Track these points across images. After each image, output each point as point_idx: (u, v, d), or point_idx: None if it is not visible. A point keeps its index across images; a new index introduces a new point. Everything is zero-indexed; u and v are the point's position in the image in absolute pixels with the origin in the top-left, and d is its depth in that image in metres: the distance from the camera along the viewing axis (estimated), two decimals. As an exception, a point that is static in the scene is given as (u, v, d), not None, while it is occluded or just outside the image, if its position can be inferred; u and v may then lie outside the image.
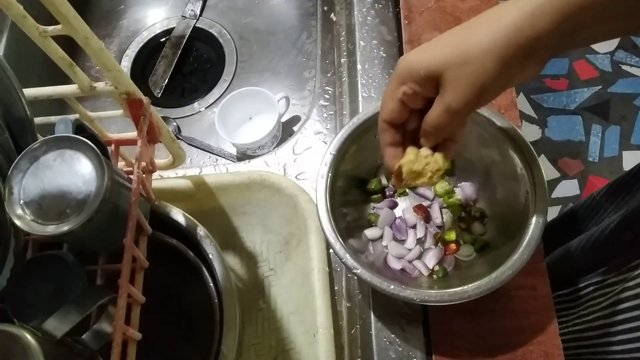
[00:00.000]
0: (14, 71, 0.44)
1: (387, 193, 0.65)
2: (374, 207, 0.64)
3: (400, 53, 0.76)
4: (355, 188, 0.64)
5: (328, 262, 0.62)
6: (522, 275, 0.51)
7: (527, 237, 0.52)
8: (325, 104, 0.81)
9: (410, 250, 0.61)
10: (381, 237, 0.63)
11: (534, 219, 0.52)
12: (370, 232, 0.62)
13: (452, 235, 0.60)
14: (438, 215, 0.62)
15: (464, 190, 0.63)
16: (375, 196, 0.65)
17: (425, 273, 0.59)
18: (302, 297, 0.63)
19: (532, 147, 0.55)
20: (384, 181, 0.65)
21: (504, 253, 0.53)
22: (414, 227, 0.62)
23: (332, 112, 0.80)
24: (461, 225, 0.61)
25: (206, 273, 0.59)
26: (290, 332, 0.64)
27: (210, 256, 0.59)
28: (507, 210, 0.59)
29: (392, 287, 0.52)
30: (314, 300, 0.59)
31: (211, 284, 0.58)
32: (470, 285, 0.51)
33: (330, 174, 0.58)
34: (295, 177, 0.74)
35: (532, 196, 0.53)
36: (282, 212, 0.69)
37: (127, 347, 0.46)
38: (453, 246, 0.60)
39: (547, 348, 0.56)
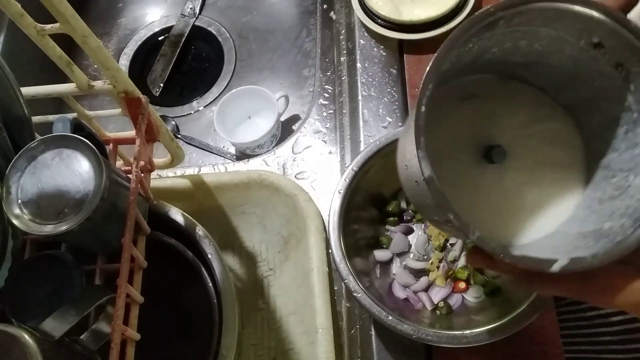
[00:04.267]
0: (12, 70, 0.44)
1: (405, 217, 0.63)
2: (388, 230, 0.63)
3: (400, 52, 0.76)
4: (373, 206, 0.63)
5: (328, 262, 0.62)
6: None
7: (540, 295, 0.50)
8: (325, 102, 0.80)
9: (417, 280, 0.59)
10: (390, 260, 0.62)
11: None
12: (379, 254, 0.61)
13: (463, 274, 0.59)
14: (457, 249, 0.60)
15: None
16: (391, 218, 0.63)
17: (429, 307, 0.58)
18: (302, 297, 0.63)
19: None
20: (403, 204, 0.64)
21: (513, 303, 0.52)
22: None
23: (331, 111, 0.80)
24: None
25: (205, 273, 0.59)
26: (289, 333, 0.64)
27: (209, 256, 0.59)
28: None
29: (390, 318, 0.52)
30: (314, 300, 0.59)
31: (210, 284, 0.58)
32: (471, 332, 0.50)
33: (349, 191, 0.57)
34: (295, 176, 0.74)
35: None
36: (281, 212, 0.69)
37: (125, 347, 0.46)
38: (462, 285, 0.58)
39: (547, 348, 0.56)
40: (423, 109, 0.31)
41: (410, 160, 0.33)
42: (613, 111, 0.34)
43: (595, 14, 0.31)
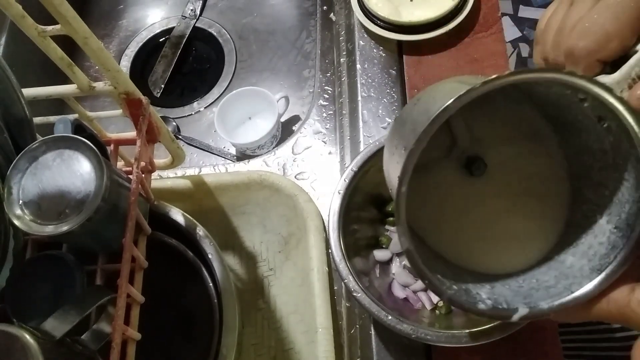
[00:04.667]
0: (13, 71, 0.44)
1: None
2: (387, 230, 0.63)
3: (400, 53, 0.76)
4: (373, 206, 0.63)
5: (327, 262, 0.62)
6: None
7: None
8: (325, 103, 0.81)
9: (417, 280, 0.59)
10: (389, 260, 0.62)
11: None
12: (379, 254, 0.62)
13: None
14: None
15: None
16: (391, 219, 0.63)
17: (429, 307, 0.58)
18: (302, 297, 0.63)
19: None
20: None
21: None
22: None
23: (331, 112, 0.80)
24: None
25: (205, 273, 0.59)
26: (289, 332, 0.64)
27: (210, 256, 0.59)
28: None
29: (389, 317, 0.52)
30: (314, 300, 0.59)
31: (210, 284, 0.58)
32: (470, 331, 0.50)
33: (348, 191, 0.57)
34: (295, 177, 0.74)
35: None
36: (281, 212, 0.69)
37: (126, 347, 0.46)
38: None
39: (547, 348, 0.56)
40: (404, 188, 0.31)
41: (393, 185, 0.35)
42: (593, 146, 0.35)
43: (570, 79, 0.30)
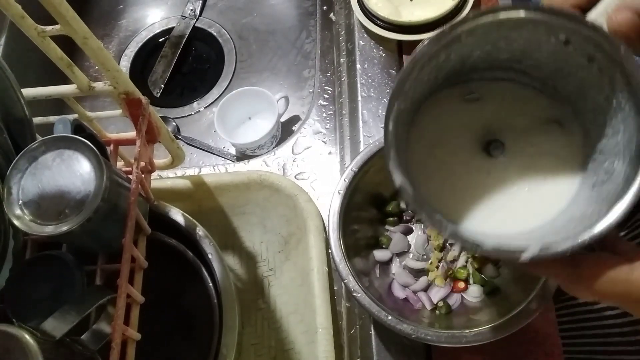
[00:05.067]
0: (13, 71, 0.44)
1: (404, 217, 0.63)
2: (387, 230, 0.63)
3: (400, 53, 0.76)
4: (372, 206, 0.63)
5: (327, 262, 0.62)
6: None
7: (540, 292, 0.50)
8: (325, 103, 0.81)
9: (417, 280, 0.60)
10: (389, 260, 0.62)
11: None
12: (379, 254, 0.62)
13: (463, 274, 0.59)
14: (457, 249, 0.60)
15: None
16: (391, 219, 0.63)
17: (429, 307, 0.58)
18: (302, 297, 0.63)
19: None
20: (402, 205, 0.64)
21: (512, 302, 0.52)
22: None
23: (331, 112, 0.80)
24: (474, 265, 0.59)
25: (205, 273, 0.59)
26: (289, 332, 0.64)
27: (210, 256, 0.59)
28: None
29: (389, 317, 0.52)
30: (314, 300, 0.59)
31: (210, 284, 0.58)
32: (470, 331, 0.50)
33: (348, 191, 0.57)
34: (295, 177, 0.74)
35: None
36: (281, 212, 0.69)
37: (126, 347, 0.46)
38: (462, 285, 0.58)
39: (547, 348, 0.56)
40: (391, 126, 0.33)
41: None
42: (598, 100, 0.35)
43: (550, 18, 0.32)
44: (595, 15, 0.33)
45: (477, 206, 0.39)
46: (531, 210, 0.38)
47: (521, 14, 0.33)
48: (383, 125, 0.34)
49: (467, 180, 0.40)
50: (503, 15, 0.33)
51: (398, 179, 0.33)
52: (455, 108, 0.41)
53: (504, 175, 0.40)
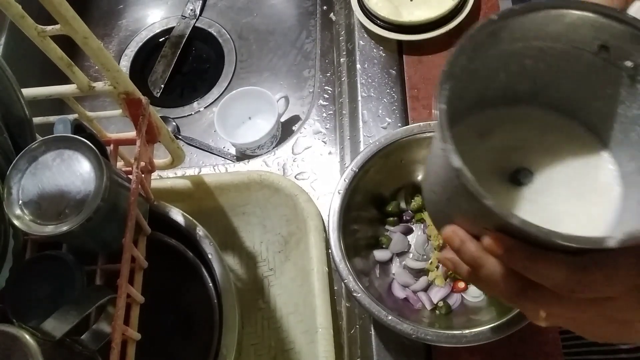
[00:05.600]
0: (13, 71, 0.44)
1: (404, 217, 0.63)
2: (387, 230, 0.63)
3: (400, 53, 0.76)
4: (372, 205, 0.63)
5: (327, 262, 0.62)
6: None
7: None
8: (325, 103, 0.81)
9: (417, 280, 0.59)
10: (389, 260, 0.62)
11: None
12: (379, 254, 0.62)
13: None
14: None
15: None
16: (391, 218, 0.63)
17: (429, 307, 0.58)
18: (302, 297, 0.63)
19: None
20: (402, 205, 0.64)
21: None
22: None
23: (331, 112, 0.80)
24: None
25: (205, 273, 0.59)
26: (289, 332, 0.64)
27: (210, 256, 0.59)
28: None
29: (390, 317, 0.52)
30: (314, 300, 0.59)
31: (210, 284, 0.58)
32: (470, 331, 0.50)
33: (348, 191, 0.57)
34: (295, 177, 0.74)
35: None
36: (281, 212, 0.69)
37: (126, 347, 0.46)
38: (462, 285, 0.58)
39: (547, 348, 0.56)
40: (443, 107, 0.32)
41: (436, 162, 0.34)
42: (630, 113, 0.34)
43: (592, 15, 0.32)
44: (634, 13, 0.32)
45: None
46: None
47: (564, 10, 0.32)
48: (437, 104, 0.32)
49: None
50: (545, 12, 0.32)
51: (457, 161, 0.30)
52: (473, 145, 0.40)
53: (533, 202, 0.38)
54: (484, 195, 0.29)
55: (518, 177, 0.38)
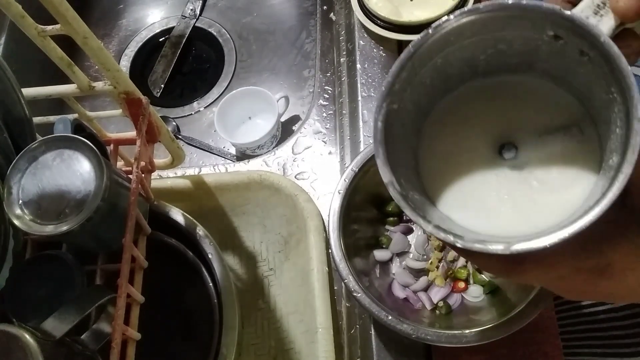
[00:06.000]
0: (13, 71, 0.44)
1: (404, 217, 0.63)
2: (387, 230, 0.63)
3: (400, 52, 0.76)
4: (372, 205, 0.63)
5: (328, 262, 0.62)
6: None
7: (540, 292, 0.50)
8: (325, 103, 0.81)
9: (417, 280, 0.59)
10: (389, 260, 0.62)
11: None
12: (379, 254, 0.61)
13: (463, 274, 0.59)
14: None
15: None
16: (391, 218, 0.63)
17: (429, 307, 0.57)
18: (302, 297, 0.63)
19: None
20: None
21: (513, 302, 0.52)
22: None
23: (331, 112, 0.80)
24: (474, 265, 0.59)
25: (205, 273, 0.59)
26: (289, 332, 0.64)
27: (210, 256, 0.59)
28: None
29: (390, 317, 0.52)
30: (314, 300, 0.59)
31: (210, 284, 0.58)
32: (470, 331, 0.50)
33: (348, 191, 0.57)
34: (295, 176, 0.74)
35: None
36: (281, 212, 0.69)
37: (126, 347, 0.46)
38: (462, 285, 0.58)
39: (547, 348, 0.56)
40: (379, 125, 0.34)
41: None
42: (602, 96, 0.35)
43: (528, 12, 0.33)
44: (584, 6, 0.33)
45: (482, 206, 0.39)
46: (540, 213, 0.38)
47: (497, 11, 0.33)
48: (373, 122, 0.35)
49: (477, 184, 0.40)
50: (480, 14, 0.33)
51: (386, 175, 0.34)
52: (471, 110, 0.41)
53: (513, 177, 0.39)
54: (405, 206, 0.33)
55: (503, 152, 0.40)
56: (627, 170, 0.29)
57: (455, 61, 0.37)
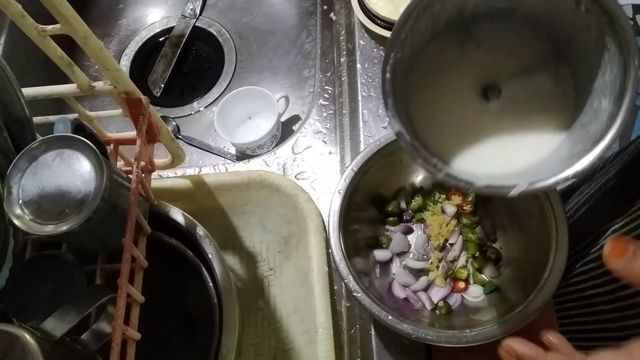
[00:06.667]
0: (13, 71, 0.44)
1: (404, 217, 0.63)
2: (388, 230, 0.63)
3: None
4: (373, 205, 0.63)
5: (328, 262, 0.62)
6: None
7: (540, 292, 0.50)
8: (325, 103, 0.81)
9: (417, 280, 0.59)
10: (389, 260, 0.62)
11: (550, 278, 0.50)
12: (379, 254, 0.61)
13: (463, 274, 0.59)
14: (457, 249, 0.60)
15: (484, 227, 0.62)
16: (391, 218, 0.63)
17: (429, 307, 0.58)
18: (302, 297, 0.63)
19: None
20: (402, 205, 0.64)
21: (513, 302, 0.52)
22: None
23: (331, 112, 0.80)
24: (474, 265, 0.59)
25: (205, 273, 0.59)
26: (289, 332, 0.64)
27: (210, 256, 0.59)
28: (524, 256, 0.57)
29: (390, 317, 0.52)
30: (314, 300, 0.59)
31: (210, 284, 0.58)
32: (470, 331, 0.50)
33: (348, 191, 0.57)
34: (295, 176, 0.74)
35: (554, 247, 0.51)
36: (281, 212, 0.69)
37: (126, 347, 0.46)
38: (462, 285, 0.59)
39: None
40: (387, 75, 0.36)
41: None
42: (588, 42, 0.37)
43: None
44: None
45: (471, 148, 0.41)
46: (522, 151, 0.40)
47: None
48: (380, 74, 0.36)
49: (463, 124, 0.42)
50: None
51: (396, 125, 0.35)
52: (455, 54, 0.43)
53: (498, 118, 0.41)
54: (419, 155, 0.35)
55: (487, 94, 0.42)
56: (625, 115, 0.33)
57: (449, 6, 0.38)
